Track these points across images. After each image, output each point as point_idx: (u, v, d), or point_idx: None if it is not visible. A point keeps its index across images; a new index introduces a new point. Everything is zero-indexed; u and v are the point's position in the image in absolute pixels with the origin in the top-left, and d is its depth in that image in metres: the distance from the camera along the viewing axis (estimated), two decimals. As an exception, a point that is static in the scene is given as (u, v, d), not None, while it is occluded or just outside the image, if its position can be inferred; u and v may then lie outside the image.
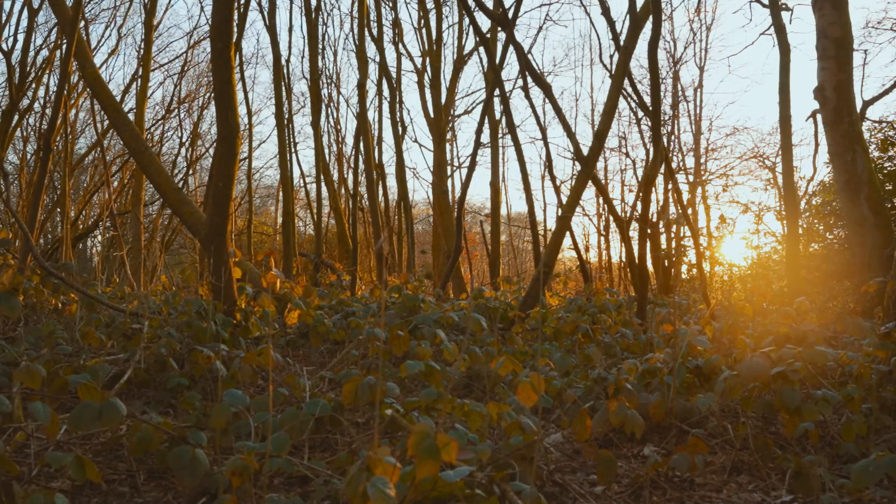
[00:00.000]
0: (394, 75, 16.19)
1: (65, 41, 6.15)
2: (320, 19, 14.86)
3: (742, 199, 22.71)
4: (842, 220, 9.55)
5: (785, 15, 11.81)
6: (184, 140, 20.67)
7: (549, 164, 8.12)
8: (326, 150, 17.27)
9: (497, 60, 7.56)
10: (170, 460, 1.89)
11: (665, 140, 13.85)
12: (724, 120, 42.49)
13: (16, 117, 15.19)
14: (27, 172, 17.84)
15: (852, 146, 6.92)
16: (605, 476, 2.03)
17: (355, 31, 15.03)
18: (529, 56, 11.39)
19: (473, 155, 7.83)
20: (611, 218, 16.40)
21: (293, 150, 15.21)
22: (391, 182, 17.18)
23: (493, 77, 7.61)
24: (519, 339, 4.49)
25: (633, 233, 8.19)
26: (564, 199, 7.15)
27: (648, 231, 5.09)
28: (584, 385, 3.10)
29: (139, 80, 16.08)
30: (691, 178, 18.09)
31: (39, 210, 7.48)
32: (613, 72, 9.84)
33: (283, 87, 14.00)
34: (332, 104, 18.12)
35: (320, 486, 1.93)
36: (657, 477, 2.21)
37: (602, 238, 20.16)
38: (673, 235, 12.20)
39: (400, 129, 15.78)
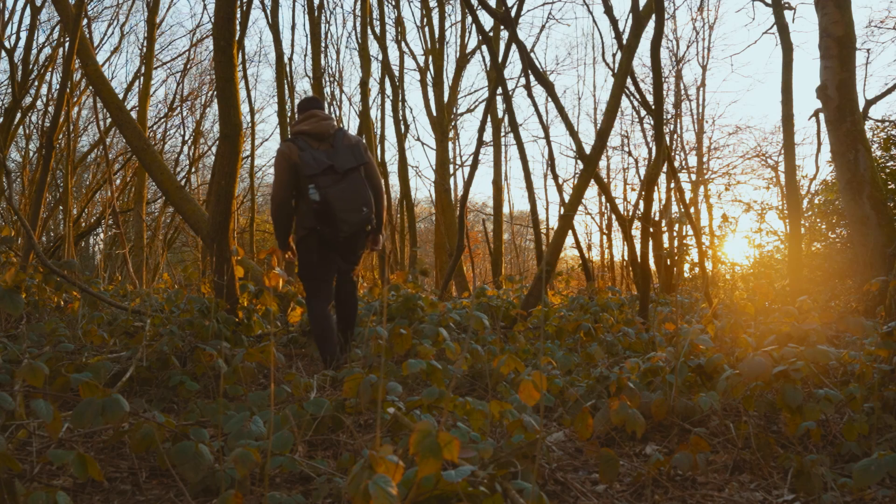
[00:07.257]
0: (396, 73, 16.18)
1: (67, 39, 6.15)
2: (323, 17, 14.83)
3: (744, 197, 22.74)
4: (844, 219, 9.53)
5: (787, 14, 11.80)
6: (186, 138, 20.73)
7: (551, 162, 8.12)
8: (329, 149, 17.17)
9: (500, 59, 7.54)
10: (172, 455, 1.89)
11: (667, 139, 13.82)
12: (727, 119, 42.59)
13: (18, 115, 15.22)
14: (30, 170, 17.87)
15: (855, 145, 6.91)
16: (606, 474, 2.03)
17: (358, 29, 15.00)
18: (532, 54, 11.37)
19: (476, 153, 7.83)
20: (613, 216, 16.38)
21: (296, 148, 15.13)
22: (394, 180, 17.21)
23: (495, 75, 7.60)
24: (521, 337, 4.48)
25: (636, 231, 8.20)
26: (567, 198, 7.15)
27: (651, 230, 5.08)
28: (586, 383, 3.10)
29: (141, 77, 16.11)
30: (693, 176, 18.06)
31: (42, 208, 7.49)
32: (616, 70, 9.83)
33: (286, 85, 14.01)
34: (334, 102, 18.10)
35: (322, 483, 1.93)
36: (659, 475, 2.21)
37: (604, 237, 20.19)
38: (675, 234, 12.19)
39: (402, 127, 15.77)
